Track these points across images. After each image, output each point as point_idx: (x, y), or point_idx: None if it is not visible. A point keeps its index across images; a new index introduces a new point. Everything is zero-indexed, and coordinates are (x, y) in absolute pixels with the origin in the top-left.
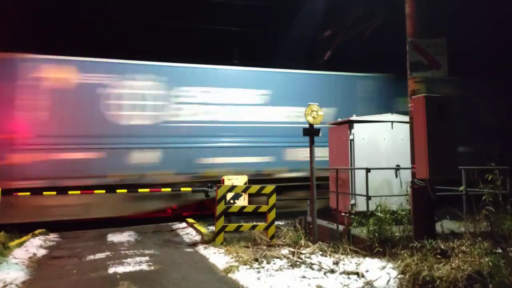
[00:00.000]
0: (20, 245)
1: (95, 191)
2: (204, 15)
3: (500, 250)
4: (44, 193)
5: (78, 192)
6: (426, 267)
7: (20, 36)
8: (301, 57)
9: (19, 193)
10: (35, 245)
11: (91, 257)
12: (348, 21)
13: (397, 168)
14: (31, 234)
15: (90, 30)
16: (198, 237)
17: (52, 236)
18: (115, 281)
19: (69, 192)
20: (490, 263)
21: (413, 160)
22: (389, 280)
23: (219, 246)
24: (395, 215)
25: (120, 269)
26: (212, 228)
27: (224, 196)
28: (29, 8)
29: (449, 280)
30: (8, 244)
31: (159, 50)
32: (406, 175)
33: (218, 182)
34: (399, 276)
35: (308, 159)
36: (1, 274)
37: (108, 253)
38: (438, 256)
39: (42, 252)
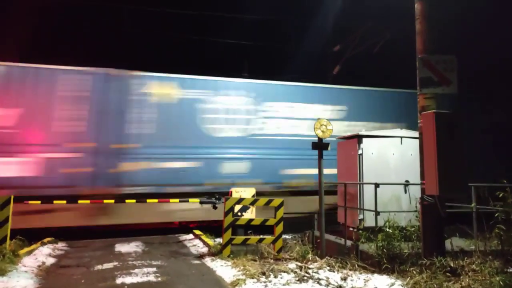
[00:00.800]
0: (29, 253)
1: None
2: None
3: (511, 270)
4: None
5: None
6: (435, 285)
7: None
8: None
9: None
10: (44, 254)
11: (99, 267)
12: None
13: (406, 184)
14: (40, 242)
15: None
16: (205, 249)
17: (61, 245)
18: None
19: None
20: (501, 283)
21: (422, 176)
22: None
23: (226, 258)
24: (404, 231)
25: (128, 280)
26: (218, 240)
27: (232, 208)
28: None
29: None
30: (18, 252)
31: None
32: (416, 191)
33: None
34: None
35: None
36: (11, 282)
37: (115, 263)
38: (448, 274)
39: (50, 260)
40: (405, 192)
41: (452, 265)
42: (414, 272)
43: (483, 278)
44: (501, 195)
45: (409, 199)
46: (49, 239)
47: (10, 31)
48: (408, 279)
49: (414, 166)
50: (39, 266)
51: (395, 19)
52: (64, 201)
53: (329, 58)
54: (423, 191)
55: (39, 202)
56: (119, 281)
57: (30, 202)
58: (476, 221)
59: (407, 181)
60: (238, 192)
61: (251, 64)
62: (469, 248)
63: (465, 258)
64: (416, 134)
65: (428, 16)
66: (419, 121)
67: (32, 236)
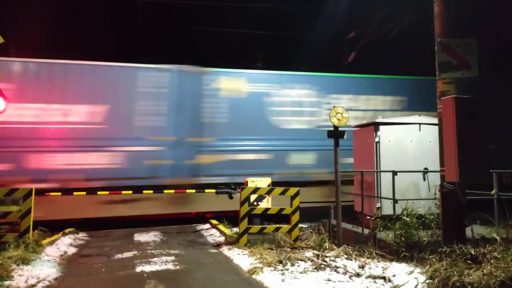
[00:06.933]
0: (51, 243)
1: None
2: None
3: None
4: None
5: None
6: (456, 273)
7: None
8: None
9: None
10: (65, 244)
11: (119, 256)
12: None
13: (425, 171)
14: (61, 232)
15: None
16: (221, 238)
17: (81, 235)
18: (143, 279)
19: None
20: None
21: (442, 163)
22: (417, 285)
23: (243, 247)
24: (423, 219)
25: (147, 268)
26: (235, 229)
27: (248, 198)
28: None
29: (481, 287)
30: (41, 242)
31: None
32: (435, 178)
33: None
34: (427, 281)
35: None
36: (35, 271)
37: (135, 252)
38: (469, 261)
39: (72, 250)
40: (424, 179)
41: (473, 252)
42: (434, 259)
43: (506, 265)
44: None
45: (428, 187)
46: (70, 229)
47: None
48: (427, 267)
49: (433, 153)
50: (61, 255)
51: (412, 4)
52: None
53: (344, 46)
54: (442, 178)
55: None
56: (138, 269)
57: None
58: (497, 208)
59: (425, 168)
60: (253, 182)
61: (265, 54)
62: (491, 236)
63: (487, 245)
64: (435, 120)
65: None
66: (438, 107)
67: (53, 227)
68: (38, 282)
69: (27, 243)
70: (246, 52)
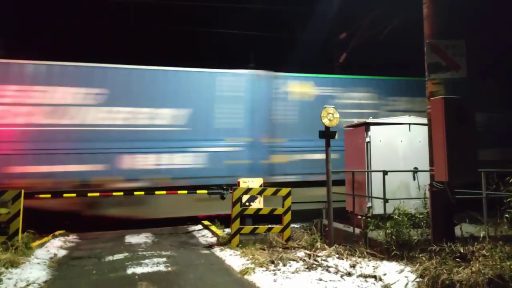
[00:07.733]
0: (41, 245)
1: None
2: None
3: None
4: None
5: None
6: (445, 271)
7: None
8: None
9: None
10: (55, 246)
11: (110, 258)
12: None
13: (415, 171)
14: (51, 235)
15: None
16: (214, 239)
17: (72, 237)
18: (134, 281)
19: None
20: None
21: (431, 163)
22: (407, 284)
23: (235, 248)
24: (413, 218)
25: (139, 270)
26: (227, 230)
27: (239, 199)
28: None
29: (469, 284)
30: (30, 244)
31: None
32: (425, 178)
33: None
34: (417, 280)
35: None
36: (24, 274)
37: (126, 254)
38: (458, 259)
39: (62, 252)
40: (414, 179)
41: (462, 250)
42: (424, 258)
43: (494, 263)
44: (511, 180)
45: (418, 186)
46: (60, 231)
47: None
48: (417, 266)
49: (422, 153)
50: (51, 258)
51: (402, 6)
52: None
53: (335, 47)
54: (432, 177)
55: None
56: (130, 271)
57: None
58: (486, 206)
59: (415, 168)
60: (245, 182)
61: (256, 55)
62: (479, 234)
63: (475, 243)
64: (424, 120)
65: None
66: (427, 107)
67: (43, 229)
68: (28, 285)
69: (16, 246)
70: (239, 53)
